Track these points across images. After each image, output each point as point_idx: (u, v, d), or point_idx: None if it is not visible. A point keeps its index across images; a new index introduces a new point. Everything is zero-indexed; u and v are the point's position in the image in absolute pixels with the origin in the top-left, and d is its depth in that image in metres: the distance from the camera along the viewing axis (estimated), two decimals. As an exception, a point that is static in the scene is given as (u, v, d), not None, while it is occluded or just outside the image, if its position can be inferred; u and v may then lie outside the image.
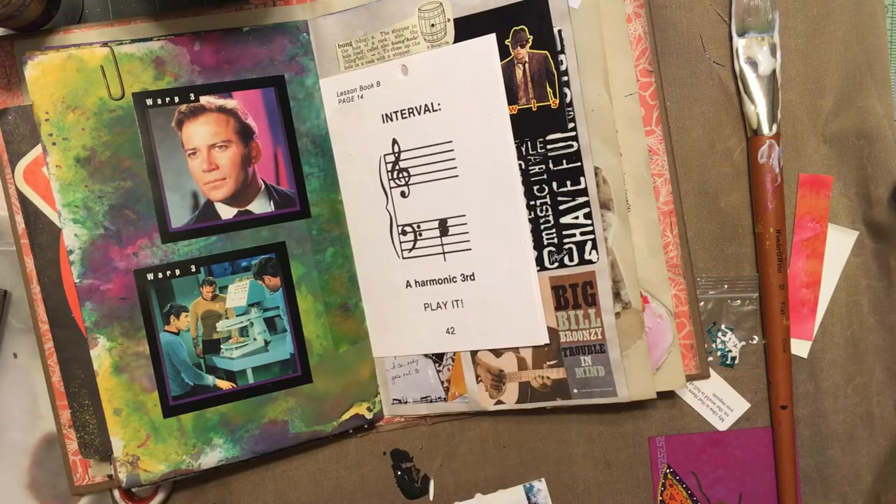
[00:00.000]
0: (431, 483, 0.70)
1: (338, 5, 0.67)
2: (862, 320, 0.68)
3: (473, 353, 0.67)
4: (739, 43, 0.67)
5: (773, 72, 0.66)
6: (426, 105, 0.66)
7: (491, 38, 0.64)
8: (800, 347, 0.68)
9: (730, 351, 0.68)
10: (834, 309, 0.68)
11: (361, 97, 0.67)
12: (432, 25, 0.65)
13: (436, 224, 0.67)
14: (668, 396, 0.68)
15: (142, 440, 0.65)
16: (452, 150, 0.66)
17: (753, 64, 0.67)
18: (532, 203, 0.65)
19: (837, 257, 0.68)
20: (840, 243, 0.68)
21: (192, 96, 0.66)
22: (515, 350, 0.66)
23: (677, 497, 0.69)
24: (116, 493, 0.68)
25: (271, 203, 0.67)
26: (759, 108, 0.66)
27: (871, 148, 0.67)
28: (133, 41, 0.65)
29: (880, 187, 0.67)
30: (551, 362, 0.66)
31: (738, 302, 0.68)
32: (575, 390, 0.65)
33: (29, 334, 0.69)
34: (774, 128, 0.66)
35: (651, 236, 0.65)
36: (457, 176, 0.66)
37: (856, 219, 0.68)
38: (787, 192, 0.67)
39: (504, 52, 0.64)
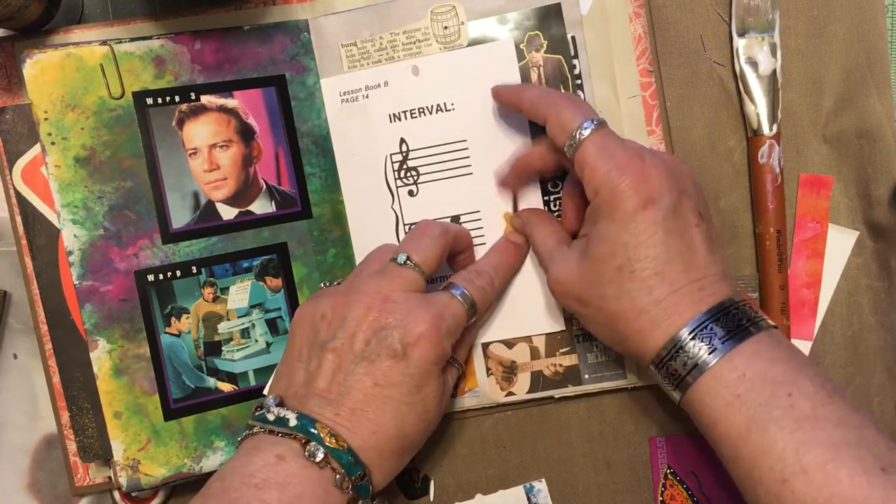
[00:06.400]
0: (432, 483, 0.70)
1: (340, 5, 0.67)
2: (862, 321, 0.68)
3: (485, 347, 0.68)
4: (740, 43, 0.67)
5: (774, 72, 0.66)
6: (438, 105, 0.66)
7: (509, 43, 0.66)
8: (800, 348, 0.68)
9: (730, 351, 0.69)
10: (834, 309, 0.68)
11: (367, 97, 0.67)
12: (445, 28, 0.65)
13: (447, 221, 0.67)
14: (668, 396, 0.68)
15: (142, 444, 0.64)
16: (467, 149, 0.67)
17: (754, 64, 0.67)
18: (546, 199, 0.67)
19: (838, 257, 0.68)
20: (840, 243, 0.68)
21: (193, 95, 0.65)
22: (528, 340, 0.67)
23: (678, 497, 0.69)
24: (116, 494, 0.68)
25: (272, 203, 0.67)
26: (759, 108, 0.66)
27: (871, 148, 0.67)
28: (133, 40, 0.64)
29: (880, 187, 0.67)
30: (564, 349, 0.67)
31: (739, 302, 0.68)
32: (586, 375, 0.67)
33: (29, 335, 0.68)
34: (775, 128, 0.66)
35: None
36: (471, 174, 0.67)
37: (856, 219, 0.68)
38: (787, 193, 0.67)
39: (519, 55, 0.66)
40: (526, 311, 0.67)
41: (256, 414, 0.57)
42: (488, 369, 0.68)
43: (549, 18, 0.65)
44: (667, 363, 0.54)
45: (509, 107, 0.64)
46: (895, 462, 0.47)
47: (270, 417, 0.55)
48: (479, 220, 0.67)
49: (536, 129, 0.66)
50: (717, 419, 0.52)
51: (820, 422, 0.49)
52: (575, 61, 0.65)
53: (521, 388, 0.68)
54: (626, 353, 0.58)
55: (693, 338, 0.53)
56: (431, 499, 0.70)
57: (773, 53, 0.67)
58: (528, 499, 0.69)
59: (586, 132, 0.57)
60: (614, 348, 0.60)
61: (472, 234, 0.67)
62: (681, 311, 0.54)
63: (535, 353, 0.67)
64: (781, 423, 0.49)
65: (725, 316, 0.53)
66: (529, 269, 0.67)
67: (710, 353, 0.52)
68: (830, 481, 0.46)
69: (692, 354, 0.53)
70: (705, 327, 0.53)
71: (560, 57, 0.66)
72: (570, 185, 0.64)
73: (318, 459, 0.53)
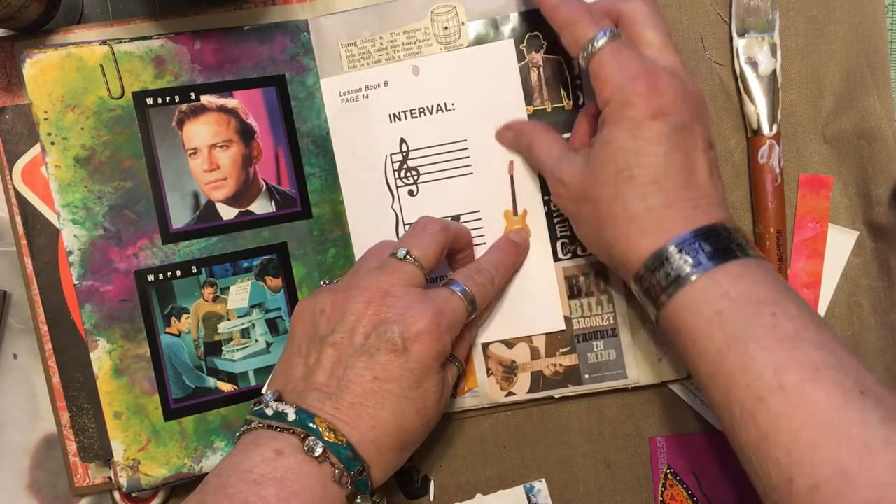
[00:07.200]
0: (431, 483, 0.70)
1: (340, 5, 0.67)
2: (862, 321, 0.68)
3: (485, 347, 0.68)
4: (740, 43, 0.67)
5: (774, 72, 0.67)
6: (438, 105, 0.66)
7: (509, 43, 0.66)
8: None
9: (730, 351, 0.69)
10: (834, 309, 0.68)
11: (367, 97, 0.67)
12: (445, 28, 0.66)
13: (447, 219, 0.67)
14: (668, 396, 0.68)
15: (142, 444, 0.64)
16: (467, 149, 0.67)
17: (754, 64, 0.67)
18: (546, 198, 0.67)
19: (838, 257, 0.68)
20: (840, 243, 0.68)
21: (193, 95, 0.65)
22: (528, 340, 0.67)
23: (678, 497, 0.69)
24: (116, 494, 0.68)
25: (272, 203, 0.67)
26: (759, 108, 0.66)
27: (871, 148, 0.67)
28: (133, 40, 0.64)
29: (880, 187, 0.67)
30: (564, 349, 0.67)
31: (739, 302, 0.68)
32: (587, 375, 0.67)
33: (29, 335, 0.68)
34: (775, 128, 0.66)
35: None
36: (471, 173, 0.67)
37: (856, 219, 0.68)
38: (787, 193, 0.67)
39: (519, 55, 0.66)
40: (526, 311, 0.67)
41: (255, 409, 0.57)
42: (488, 369, 0.68)
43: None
44: (649, 275, 0.54)
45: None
46: (873, 386, 0.47)
47: (269, 412, 0.55)
48: (479, 219, 0.67)
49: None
50: (696, 336, 0.51)
51: (802, 342, 0.48)
52: (574, 62, 0.65)
53: (522, 388, 0.68)
54: (611, 261, 0.58)
55: (679, 251, 0.52)
56: (431, 499, 0.70)
57: (773, 53, 0.67)
58: (528, 499, 0.69)
59: (600, 43, 0.55)
60: (600, 257, 0.60)
61: (472, 233, 0.67)
62: (672, 225, 0.53)
63: (535, 353, 0.67)
64: (763, 342, 0.48)
65: (716, 237, 0.53)
66: (529, 268, 0.67)
67: (694, 267, 0.52)
68: (807, 401, 0.46)
69: (676, 266, 0.52)
70: (693, 243, 0.52)
71: (560, 58, 0.66)
72: (590, 105, 0.64)
73: (316, 454, 0.53)
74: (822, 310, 0.68)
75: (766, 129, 0.66)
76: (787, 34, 0.68)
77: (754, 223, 0.68)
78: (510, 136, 0.66)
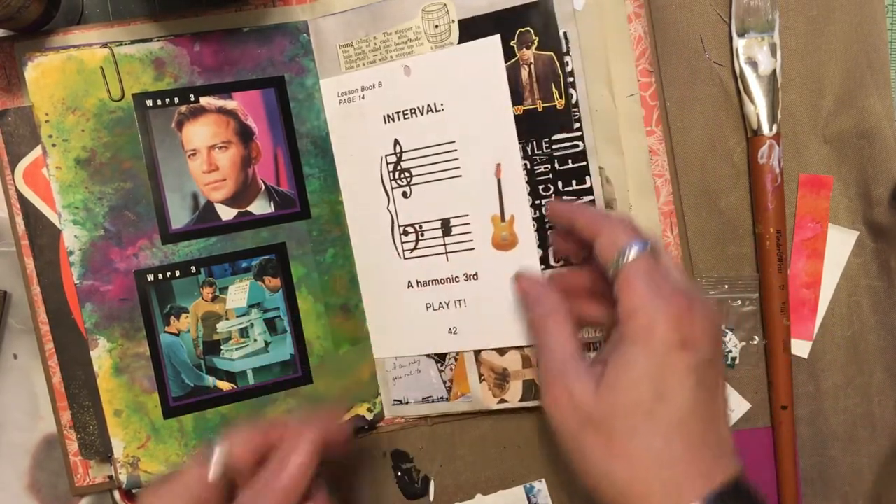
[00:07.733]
0: (431, 484, 0.70)
1: (338, 6, 0.67)
2: (862, 320, 0.68)
3: (477, 353, 0.67)
4: (739, 43, 0.67)
5: (774, 72, 0.66)
6: (429, 105, 0.66)
7: (495, 40, 0.65)
8: (800, 348, 0.68)
9: (730, 351, 0.68)
10: (834, 309, 0.68)
11: (363, 98, 0.67)
12: (436, 26, 0.65)
13: (438, 224, 0.67)
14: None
15: (142, 441, 0.65)
16: (455, 151, 0.66)
17: (753, 64, 0.67)
18: (537, 202, 0.65)
19: (838, 257, 0.68)
20: (840, 243, 0.68)
21: (192, 97, 0.66)
22: (520, 348, 0.67)
23: (678, 498, 0.68)
24: (117, 494, 0.68)
25: (271, 204, 0.67)
26: (759, 108, 0.66)
27: (871, 148, 0.67)
28: (133, 42, 0.65)
29: (880, 187, 0.67)
30: None
31: (739, 302, 0.68)
32: None
33: (29, 335, 0.69)
34: (774, 128, 0.66)
35: (652, 236, 0.65)
36: (460, 176, 0.66)
37: (856, 219, 0.68)
38: (787, 193, 0.67)
39: (509, 53, 0.65)
40: (512, 322, 0.66)
41: None
42: (480, 375, 0.67)
43: (541, 14, 0.64)
44: None
45: (563, 223, 0.61)
46: None
47: None
48: (468, 223, 0.67)
49: (525, 133, 0.65)
50: None
51: None
52: (567, 58, 0.65)
53: (514, 395, 0.67)
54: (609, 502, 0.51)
55: None
56: (431, 499, 0.70)
57: (773, 53, 0.67)
58: (528, 499, 0.69)
59: (633, 253, 0.52)
60: (593, 492, 0.52)
61: (462, 237, 0.66)
62: (692, 482, 0.48)
63: (526, 362, 0.67)
64: None
65: (737, 498, 0.49)
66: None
67: None
68: None
69: None
70: None
71: (552, 54, 0.64)
72: (593, 271, 0.60)
73: None
74: (821, 310, 0.68)
75: (765, 129, 0.66)
76: (787, 34, 0.67)
77: (754, 223, 0.67)
78: (520, 292, 0.62)
